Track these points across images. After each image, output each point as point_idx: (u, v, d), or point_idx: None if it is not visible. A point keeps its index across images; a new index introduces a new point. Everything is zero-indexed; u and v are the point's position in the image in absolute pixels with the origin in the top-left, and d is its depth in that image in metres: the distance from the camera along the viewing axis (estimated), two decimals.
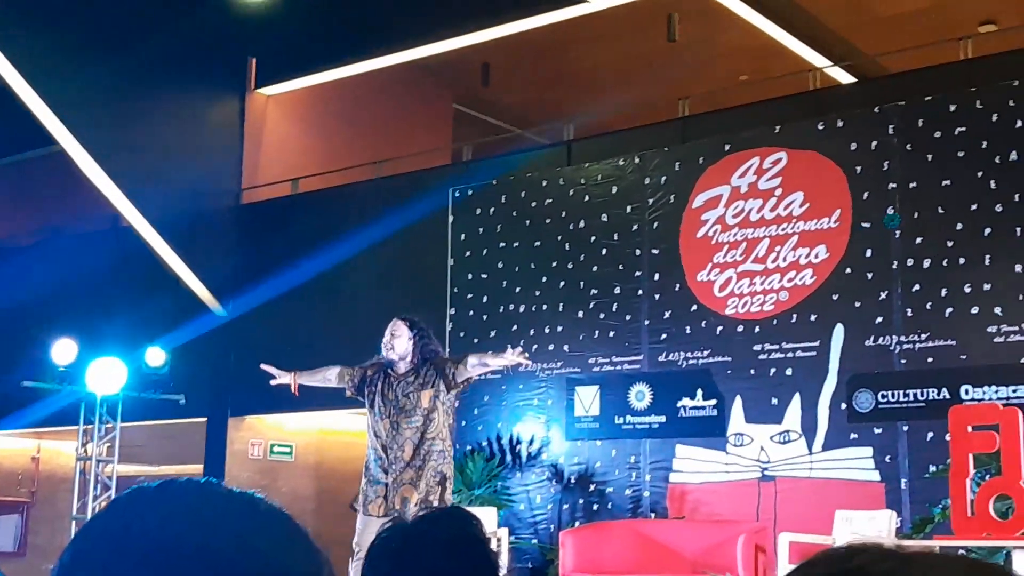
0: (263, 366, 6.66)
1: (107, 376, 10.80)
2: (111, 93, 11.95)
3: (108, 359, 10.82)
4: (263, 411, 12.44)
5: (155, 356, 11.01)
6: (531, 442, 9.89)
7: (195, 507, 0.90)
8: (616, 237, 9.85)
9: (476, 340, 10.38)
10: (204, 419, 12.50)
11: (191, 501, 0.91)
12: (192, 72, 12.67)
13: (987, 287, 8.13)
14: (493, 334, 10.27)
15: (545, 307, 10.11)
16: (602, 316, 9.79)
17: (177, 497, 0.91)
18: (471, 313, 10.50)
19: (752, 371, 8.97)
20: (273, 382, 6.65)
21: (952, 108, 8.49)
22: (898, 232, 8.56)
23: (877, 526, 7.44)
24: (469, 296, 10.57)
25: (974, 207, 8.27)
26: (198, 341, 12.07)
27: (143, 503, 0.91)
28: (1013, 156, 8.18)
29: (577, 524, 9.24)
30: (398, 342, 6.24)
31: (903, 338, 8.39)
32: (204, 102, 13.02)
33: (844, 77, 11.94)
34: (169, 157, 12.39)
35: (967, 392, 8.01)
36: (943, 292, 8.30)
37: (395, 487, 6.10)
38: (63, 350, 10.75)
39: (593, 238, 9.96)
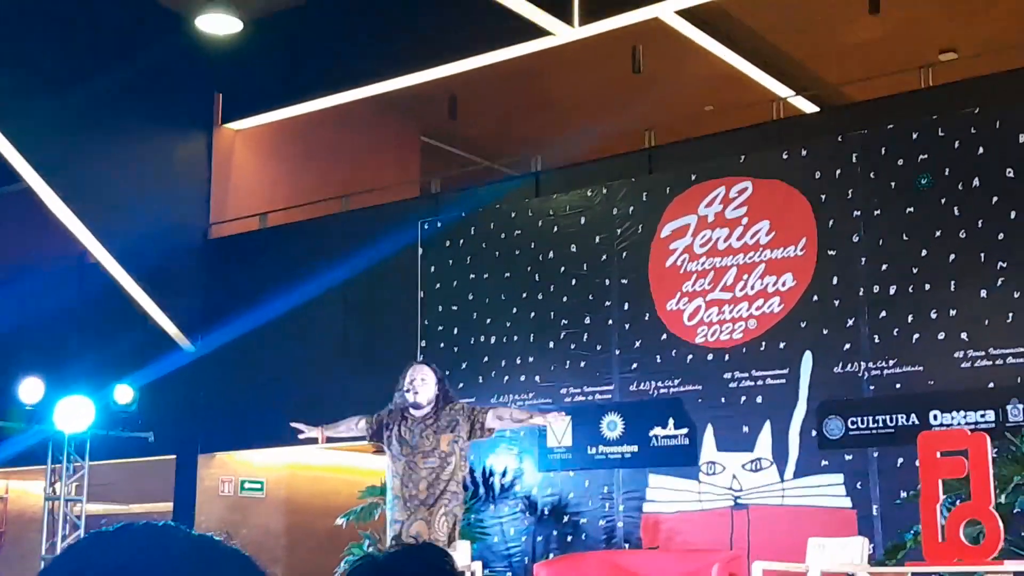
0: (293, 424, 6.78)
1: (75, 414, 10.69)
2: (77, 129, 11.91)
3: (76, 397, 10.72)
4: (233, 448, 12.36)
5: (123, 394, 10.92)
6: (504, 474, 9.87)
7: (152, 550, 0.89)
8: (585, 267, 9.88)
9: (448, 372, 10.33)
10: (173, 456, 12.40)
11: (148, 545, 0.90)
12: (159, 107, 12.64)
13: (953, 312, 8.21)
14: (464, 366, 10.26)
15: (516, 338, 10.11)
16: (573, 347, 9.81)
17: (134, 541, 0.90)
18: (442, 345, 10.49)
19: (723, 399, 9.00)
20: (301, 435, 6.84)
21: (914, 136, 8.60)
22: (856, 245, 8.64)
23: (849, 553, 7.46)
24: (440, 328, 10.56)
25: (938, 233, 8.37)
26: (167, 378, 11.98)
27: (100, 547, 0.90)
28: (975, 183, 8.29)
29: (551, 556, 9.21)
30: (425, 388, 6.47)
31: (871, 364, 8.45)
32: (171, 137, 12.99)
33: (807, 106, 12.09)
34: (136, 193, 12.34)
35: (936, 417, 8.07)
36: (910, 318, 8.37)
37: (409, 524, 6.31)
38: (30, 389, 10.64)
39: (562, 269, 9.99)
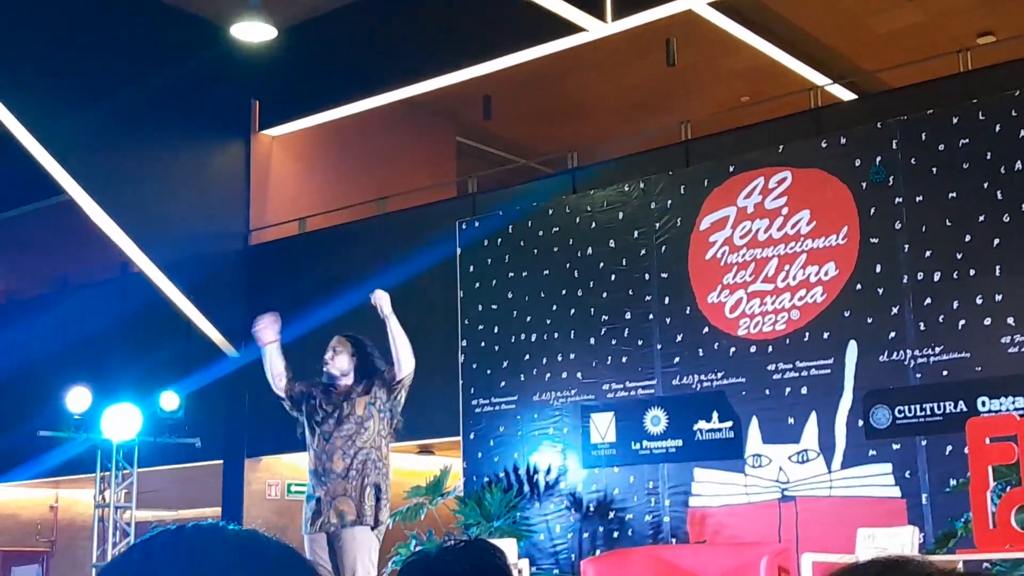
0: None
1: (122, 422, 10.81)
2: (116, 140, 12.04)
3: (123, 405, 10.84)
4: (279, 451, 12.44)
5: (169, 400, 11.02)
6: (548, 471, 9.87)
7: (205, 549, 0.92)
8: (624, 262, 9.86)
9: (489, 371, 10.38)
10: (220, 461, 12.50)
11: (201, 543, 0.93)
12: (196, 116, 12.76)
13: (999, 298, 8.11)
14: (505, 364, 10.27)
15: (556, 335, 10.11)
16: (614, 342, 9.79)
17: (188, 540, 0.93)
18: (483, 344, 10.51)
19: (767, 391, 8.95)
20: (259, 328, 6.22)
21: (955, 120, 8.51)
22: (899, 231, 8.56)
23: (899, 542, 7.39)
24: (480, 327, 10.57)
25: (982, 218, 8.27)
26: (212, 384, 12.08)
27: (155, 549, 0.93)
28: (1018, 166, 8.19)
29: (598, 552, 9.20)
30: (339, 359, 6.06)
31: (917, 352, 8.37)
32: (209, 145, 13.10)
33: (845, 94, 11.98)
34: (176, 201, 12.46)
35: (984, 404, 7.98)
36: (955, 304, 8.29)
37: (328, 501, 5.79)
38: (77, 398, 10.77)
39: (601, 264, 9.98)
